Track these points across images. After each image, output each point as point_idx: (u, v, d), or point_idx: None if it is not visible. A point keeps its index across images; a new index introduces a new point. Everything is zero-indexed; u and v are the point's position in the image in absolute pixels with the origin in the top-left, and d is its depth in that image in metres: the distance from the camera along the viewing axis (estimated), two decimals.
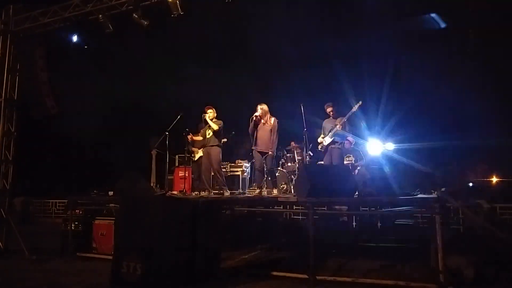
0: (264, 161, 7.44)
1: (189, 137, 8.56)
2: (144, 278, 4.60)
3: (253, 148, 7.58)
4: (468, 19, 10.02)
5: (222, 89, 12.38)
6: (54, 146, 15.12)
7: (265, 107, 7.47)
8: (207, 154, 7.81)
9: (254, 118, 7.41)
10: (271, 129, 7.37)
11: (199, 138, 8.23)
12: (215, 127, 7.69)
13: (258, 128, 7.48)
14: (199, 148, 8.82)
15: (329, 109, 7.83)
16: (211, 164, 7.75)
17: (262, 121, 7.45)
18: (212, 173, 8.00)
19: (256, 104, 7.57)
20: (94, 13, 7.58)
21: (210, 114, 7.85)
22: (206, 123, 7.82)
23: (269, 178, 8.64)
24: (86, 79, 12.60)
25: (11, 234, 7.31)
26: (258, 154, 7.49)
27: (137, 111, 14.09)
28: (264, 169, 7.49)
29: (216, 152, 7.73)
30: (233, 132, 9.34)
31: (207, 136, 7.84)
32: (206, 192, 7.63)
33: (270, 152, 7.35)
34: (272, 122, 7.39)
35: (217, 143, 7.74)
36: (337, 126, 7.54)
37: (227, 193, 7.64)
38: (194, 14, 7.99)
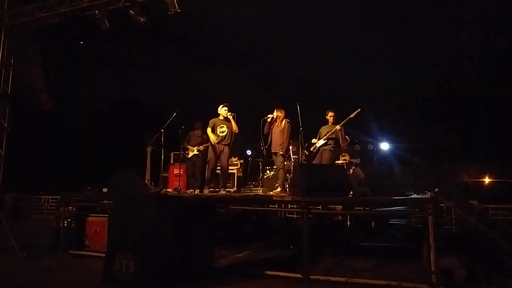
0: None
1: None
2: (137, 277, 4.58)
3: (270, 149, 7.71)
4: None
5: (218, 89, 12.37)
6: (47, 141, 15.01)
7: (281, 112, 7.55)
8: (218, 152, 7.73)
9: (268, 120, 7.51)
10: (281, 131, 7.46)
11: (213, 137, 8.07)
12: (236, 129, 7.68)
13: (272, 130, 7.58)
14: (194, 146, 8.81)
15: (330, 114, 7.87)
16: (221, 162, 7.77)
17: (276, 123, 7.55)
18: (218, 171, 8.01)
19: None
20: (91, 9, 7.53)
21: (227, 112, 7.76)
22: (227, 120, 7.74)
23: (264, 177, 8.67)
24: (81, 75, 12.53)
25: (2, 230, 7.24)
26: (273, 155, 7.64)
27: (133, 108, 14.03)
28: (279, 167, 7.62)
29: (229, 151, 7.79)
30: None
31: (220, 134, 7.71)
32: (207, 190, 7.64)
33: (280, 152, 7.42)
34: (283, 124, 7.48)
35: (229, 142, 7.75)
36: (337, 127, 7.56)
37: (223, 192, 7.66)
38: (190, 12, 7.97)
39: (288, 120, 7.51)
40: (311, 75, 12.20)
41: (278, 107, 7.64)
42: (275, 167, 7.99)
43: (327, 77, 11.75)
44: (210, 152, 7.87)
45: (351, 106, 7.69)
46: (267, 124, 7.57)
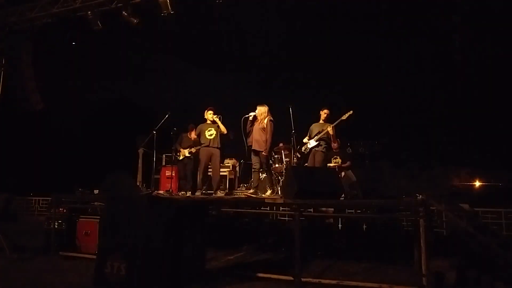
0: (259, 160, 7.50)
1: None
2: (128, 279, 4.55)
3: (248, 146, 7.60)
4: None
5: (212, 90, 12.37)
6: (38, 142, 14.86)
7: (262, 108, 7.44)
8: (209, 155, 7.79)
9: (250, 118, 7.44)
10: (263, 128, 7.35)
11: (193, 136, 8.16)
12: (224, 130, 7.74)
13: (253, 128, 7.49)
14: (185, 148, 8.80)
15: (325, 111, 7.85)
16: (213, 165, 7.81)
17: (258, 121, 7.46)
18: (210, 174, 8.02)
19: (251, 104, 7.62)
20: (83, 10, 7.51)
21: (212, 115, 7.86)
22: (214, 123, 7.84)
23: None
24: (73, 76, 12.45)
25: None
26: (252, 152, 7.53)
27: (125, 109, 13.96)
28: (259, 169, 7.53)
29: (219, 154, 7.85)
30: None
31: (209, 137, 7.81)
32: (198, 192, 7.64)
33: (263, 152, 7.34)
34: (265, 122, 7.36)
35: (219, 145, 7.81)
36: (329, 127, 7.55)
37: (221, 194, 7.68)
38: (184, 12, 7.97)
39: (271, 118, 7.37)
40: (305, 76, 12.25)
41: (260, 104, 7.54)
42: (253, 167, 7.80)
43: (320, 76, 11.79)
44: (202, 155, 7.91)
45: (343, 108, 7.70)
46: (248, 122, 7.49)
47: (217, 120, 7.82)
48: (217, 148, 7.78)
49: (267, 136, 7.27)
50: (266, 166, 7.52)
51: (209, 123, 7.92)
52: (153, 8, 7.32)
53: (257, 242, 7.97)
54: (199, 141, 8.10)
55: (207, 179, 8.11)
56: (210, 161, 7.83)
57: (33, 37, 8.27)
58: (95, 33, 7.73)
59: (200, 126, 7.99)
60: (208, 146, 7.81)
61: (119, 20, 7.47)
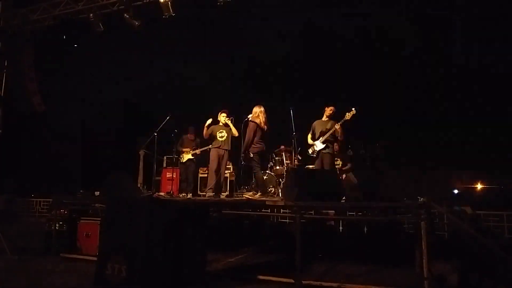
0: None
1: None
2: (129, 280, 4.55)
3: None
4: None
5: (211, 90, 12.37)
6: (39, 143, 14.87)
7: (255, 109, 7.33)
8: (219, 156, 7.80)
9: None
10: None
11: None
12: (236, 132, 7.74)
13: None
14: (189, 150, 8.82)
15: (331, 107, 7.69)
16: (220, 167, 7.82)
17: None
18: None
19: (251, 105, 7.58)
20: (85, 12, 7.54)
21: (225, 118, 7.87)
22: (227, 126, 7.86)
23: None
24: (74, 77, 12.46)
25: None
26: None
27: (126, 111, 13.96)
28: (253, 170, 7.46)
29: (228, 156, 7.91)
30: None
31: (220, 139, 7.83)
32: (210, 191, 7.67)
33: (242, 154, 7.32)
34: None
35: (230, 147, 7.85)
36: (336, 126, 7.41)
37: (222, 196, 7.70)
38: (185, 14, 7.99)
39: (250, 118, 7.26)
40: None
41: (257, 104, 7.42)
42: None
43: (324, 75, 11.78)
44: (212, 156, 7.92)
45: (344, 107, 7.56)
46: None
47: (229, 122, 7.84)
48: (227, 150, 7.81)
49: (246, 137, 7.19)
50: (244, 164, 7.39)
51: (222, 125, 7.96)
52: (155, 10, 7.36)
53: (258, 245, 7.96)
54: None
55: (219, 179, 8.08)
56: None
57: (35, 39, 8.30)
58: (96, 35, 7.77)
59: (213, 127, 8.03)
60: (218, 147, 7.85)
61: (121, 21, 7.51)
